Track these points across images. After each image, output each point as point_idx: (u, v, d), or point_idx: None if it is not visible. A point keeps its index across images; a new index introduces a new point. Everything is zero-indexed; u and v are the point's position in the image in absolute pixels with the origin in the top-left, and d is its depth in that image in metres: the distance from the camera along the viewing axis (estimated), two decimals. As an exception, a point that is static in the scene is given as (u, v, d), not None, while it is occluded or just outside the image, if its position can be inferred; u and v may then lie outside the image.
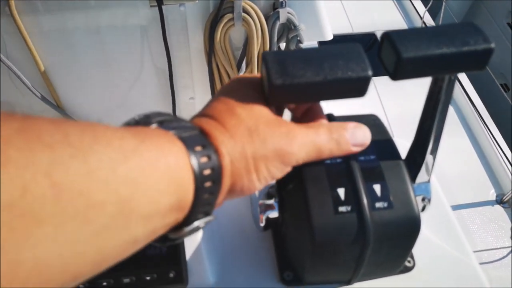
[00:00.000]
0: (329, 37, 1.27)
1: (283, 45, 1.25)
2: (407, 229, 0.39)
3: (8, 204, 0.16)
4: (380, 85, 2.16)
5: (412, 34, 0.31)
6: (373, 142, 0.42)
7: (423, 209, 0.44)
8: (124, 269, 0.41)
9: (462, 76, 2.15)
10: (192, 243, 0.43)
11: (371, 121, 0.45)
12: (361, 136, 0.34)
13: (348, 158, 0.40)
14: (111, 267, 0.41)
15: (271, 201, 0.42)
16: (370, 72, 0.29)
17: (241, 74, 1.29)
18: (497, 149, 1.89)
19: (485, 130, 1.96)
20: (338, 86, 0.30)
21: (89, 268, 0.21)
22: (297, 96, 0.30)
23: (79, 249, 0.19)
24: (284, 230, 0.45)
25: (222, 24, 1.12)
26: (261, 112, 0.30)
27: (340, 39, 2.29)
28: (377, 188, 0.39)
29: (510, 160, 1.86)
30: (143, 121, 0.27)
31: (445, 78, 0.35)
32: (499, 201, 1.83)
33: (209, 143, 0.27)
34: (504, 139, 1.94)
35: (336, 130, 0.33)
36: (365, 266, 0.41)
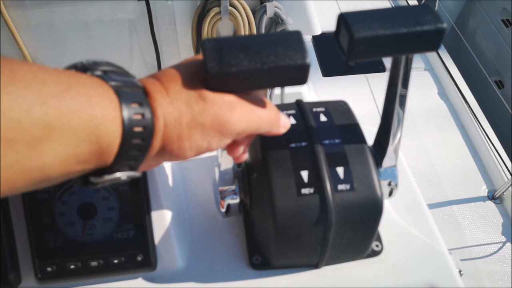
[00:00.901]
0: (317, 31, 1.28)
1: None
2: (369, 211, 0.39)
3: None
4: (373, 82, 2.16)
5: (367, 15, 0.32)
6: (339, 126, 0.43)
7: (390, 193, 0.44)
8: (91, 252, 0.42)
9: (456, 73, 2.15)
10: (161, 226, 0.44)
11: (340, 107, 0.45)
12: (286, 120, 0.36)
13: (313, 142, 0.40)
14: (78, 251, 0.42)
15: (232, 187, 0.43)
16: (308, 60, 0.29)
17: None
18: (489, 145, 1.89)
19: (478, 127, 1.97)
20: (276, 74, 0.29)
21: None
22: (234, 85, 0.30)
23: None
24: (252, 214, 0.45)
25: (209, 18, 1.12)
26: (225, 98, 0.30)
27: (332, 35, 2.29)
28: (340, 171, 0.39)
29: (502, 157, 1.86)
30: (89, 67, 0.28)
31: (402, 59, 0.35)
32: (491, 197, 1.83)
33: (147, 103, 0.27)
34: (499, 137, 1.94)
35: (274, 111, 0.34)
36: (330, 249, 0.41)
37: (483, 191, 1.84)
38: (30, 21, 1.14)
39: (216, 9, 1.09)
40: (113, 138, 0.26)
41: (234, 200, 0.43)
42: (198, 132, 0.29)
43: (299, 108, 0.44)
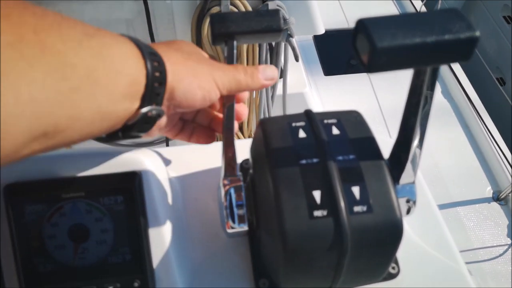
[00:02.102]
0: (321, 31, 1.24)
1: (273, 40, 1.21)
2: (388, 235, 0.36)
3: (10, 43, 0.23)
4: (375, 80, 2.12)
5: (389, 21, 0.28)
6: (353, 140, 0.39)
7: (408, 211, 0.41)
8: (84, 278, 0.38)
9: (458, 70, 2.12)
10: (159, 248, 0.40)
11: (352, 118, 0.42)
12: (270, 72, 0.41)
13: (325, 158, 0.37)
14: (69, 276, 0.38)
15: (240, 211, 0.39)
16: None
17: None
18: (494, 146, 1.86)
19: (482, 127, 1.93)
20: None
21: (65, 121, 0.26)
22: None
23: (59, 98, 0.25)
24: (257, 235, 0.42)
25: (208, 19, 1.08)
26: (196, 50, 0.39)
27: (334, 34, 2.25)
28: (355, 190, 0.36)
29: (507, 157, 1.83)
30: None
31: (427, 70, 0.32)
32: (496, 198, 1.80)
33: (157, 52, 0.33)
34: (501, 135, 1.91)
35: (250, 68, 0.40)
36: (345, 274, 0.38)
37: (488, 192, 1.81)
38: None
39: (216, 9, 1.05)
40: (141, 77, 0.31)
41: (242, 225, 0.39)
42: (204, 75, 0.36)
43: (309, 120, 0.41)
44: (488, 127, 1.91)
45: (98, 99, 0.28)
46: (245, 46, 1.15)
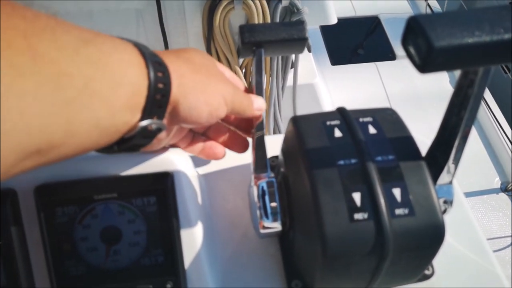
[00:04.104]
0: (334, 21, 1.22)
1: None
2: (430, 238, 0.35)
3: None
4: (383, 69, 2.10)
5: (444, 19, 0.27)
6: (390, 140, 0.38)
7: (444, 212, 0.40)
8: (116, 280, 0.38)
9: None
10: (191, 250, 0.40)
11: (388, 116, 0.41)
12: (260, 102, 0.41)
13: (364, 159, 0.36)
14: (101, 279, 0.38)
15: (274, 204, 0.39)
16: None
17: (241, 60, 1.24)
18: (503, 136, 1.85)
19: (491, 117, 1.92)
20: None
21: (60, 136, 0.24)
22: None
23: (53, 111, 0.23)
24: (291, 235, 0.41)
25: (221, 8, 1.06)
26: (207, 62, 0.36)
27: (341, 23, 2.23)
28: (396, 192, 0.35)
29: (516, 147, 1.82)
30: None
31: (479, 70, 0.30)
32: (504, 189, 1.79)
33: (163, 62, 0.31)
34: (508, 123, 1.90)
35: (246, 94, 0.40)
36: (382, 277, 0.37)
37: (496, 183, 1.81)
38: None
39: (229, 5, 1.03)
40: (143, 87, 0.28)
41: (275, 224, 0.39)
42: (209, 89, 0.33)
43: (344, 118, 0.40)
44: (497, 118, 1.90)
45: (96, 112, 0.25)
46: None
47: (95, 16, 1.11)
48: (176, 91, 0.31)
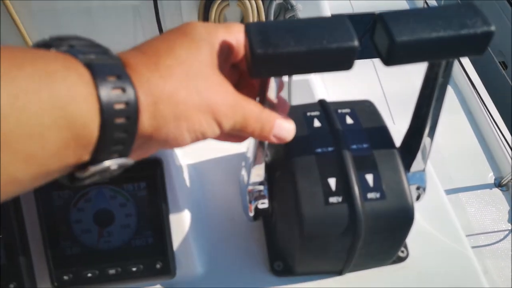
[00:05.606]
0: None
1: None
2: (400, 221, 0.37)
3: None
4: (380, 66, 2.12)
5: (407, 16, 0.29)
6: (366, 130, 0.41)
7: (418, 198, 0.42)
8: (108, 260, 0.40)
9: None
10: (179, 232, 0.42)
11: (366, 108, 0.43)
12: (285, 131, 0.32)
13: (340, 147, 0.38)
14: (95, 258, 0.40)
15: (261, 187, 0.41)
16: (356, 43, 0.27)
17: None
18: (496, 131, 1.87)
19: (485, 112, 1.94)
20: (323, 57, 0.28)
21: None
22: (280, 67, 0.28)
23: None
24: (274, 219, 0.43)
25: (216, 4, 1.08)
26: (207, 60, 0.27)
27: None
28: (369, 178, 0.37)
29: (510, 143, 1.84)
30: (52, 43, 0.24)
31: (442, 63, 0.33)
32: (498, 184, 1.81)
33: (126, 75, 0.23)
34: (503, 119, 1.92)
35: (267, 114, 0.30)
36: (357, 258, 0.40)
37: (490, 178, 1.83)
38: (32, 8, 1.10)
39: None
40: (90, 119, 0.22)
41: (264, 205, 0.41)
42: (195, 113, 0.26)
43: (324, 109, 0.42)
44: (491, 113, 1.92)
45: (10, 169, 0.20)
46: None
47: (93, 12, 1.13)
48: (147, 125, 0.24)
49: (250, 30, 0.28)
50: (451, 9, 0.30)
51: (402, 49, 0.28)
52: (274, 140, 0.31)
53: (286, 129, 0.32)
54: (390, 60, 0.29)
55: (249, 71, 0.28)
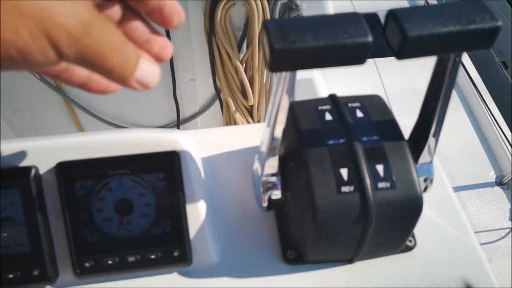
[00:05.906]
0: (331, 17, 1.25)
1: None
2: (409, 209, 0.39)
3: None
4: (381, 65, 2.14)
5: (418, 12, 0.31)
6: (376, 122, 0.42)
7: (425, 189, 0.44)
8: (128, 248, 0.42)
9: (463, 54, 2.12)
10: (195, 221, 0.44)
11: (375, 102, 0.45)
12: (151, 75, 0.25)
13: (351, 139, 0.40)
14: (115, 246, 0.42)
15: (274, 179, 0.43)
16: (370, 38, 0.29)
17: (242, 55, 1.28)
18: (498, 130, 1.88)
19: (486, 111, 1.95)
20: (338, 52, 0.29)
21: None
22: (298, 62, 0.30)
23: None
24: (286, 210, 0.45)
25: (222, 4, 1.10)
26: None
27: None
28: (380, 168, 0.39)
29: (510, 141, 1.85)
30: None
31: (450, 58, 0.35)
32: (499, 182, 1.83)
33: None
34: (504, 118, 1.93)
35: (132, 48, 0.23)
36: (367, 246, 0.41)
37: (491, 176, 1.84)
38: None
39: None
40: None
41: (277, 195, 0.43)
42: (14, 15, 0.18)
43: (334, 104, 0.44)
44: (492, 112, 1.93)
45: None
46: (257, 30, 1.16)
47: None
48: None
49: (268, 26, 0.29)
50: (459, 6, 0.31)
51: (413, 43, 0.30)
52: (136, 86, 0.25)
53: (151, 72, 0.25)
54: (402, 54, 0.31)
55: (268, 65, 0.30)
